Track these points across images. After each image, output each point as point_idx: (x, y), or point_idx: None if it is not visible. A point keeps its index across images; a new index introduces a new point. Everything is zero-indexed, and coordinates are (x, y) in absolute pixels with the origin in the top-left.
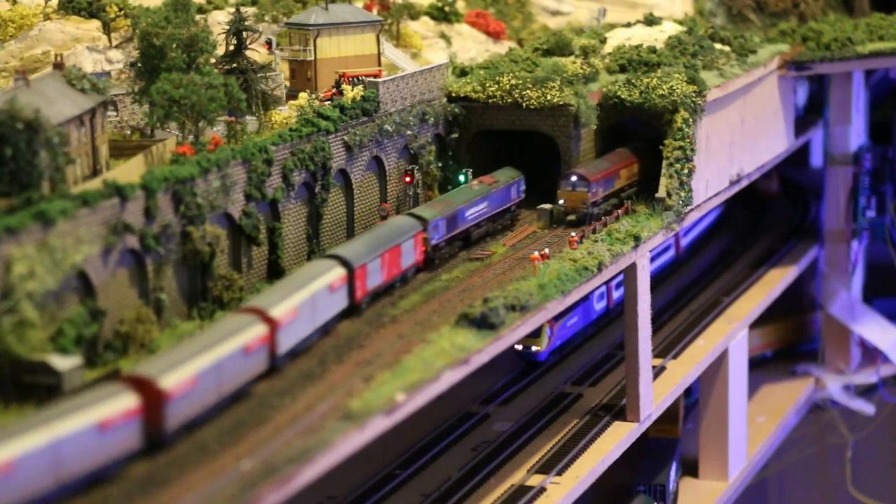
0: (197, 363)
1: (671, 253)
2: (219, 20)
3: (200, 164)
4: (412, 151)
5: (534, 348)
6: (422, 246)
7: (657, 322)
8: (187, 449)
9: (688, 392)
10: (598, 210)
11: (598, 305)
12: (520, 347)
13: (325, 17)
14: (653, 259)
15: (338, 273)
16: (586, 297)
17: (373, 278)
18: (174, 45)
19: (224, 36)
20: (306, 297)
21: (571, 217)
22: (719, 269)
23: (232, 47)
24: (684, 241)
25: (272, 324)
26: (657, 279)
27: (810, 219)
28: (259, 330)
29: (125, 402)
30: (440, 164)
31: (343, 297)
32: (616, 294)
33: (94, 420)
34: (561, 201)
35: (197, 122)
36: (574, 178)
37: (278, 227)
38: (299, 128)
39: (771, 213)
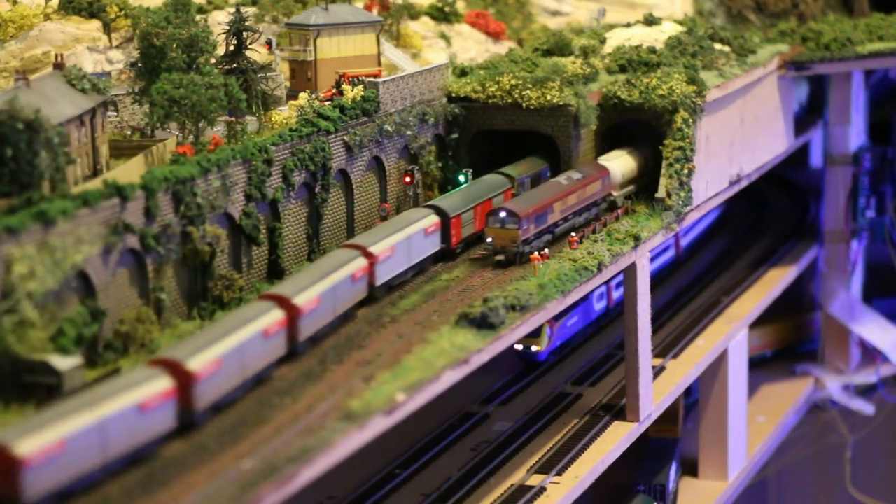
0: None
1: (671, 253)
2: (219, 20)
3: (200, 164)
4: (412, 151)
5: (533, 348)
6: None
7: (657, 322)
8: (187, 449)
9: (688, 392)
10: (529, 249)
11: (598, 305)
12: (519, 347)
13: (326, 17)
14: (653, 259)
15: (433, 220)
16: (586, 297)
17: (466, 228)
18: (174, 46)
19: (224, 36)
20: (402, 239)
21: (500, 257)
22: (719, 269)
23: (232, 47)
24: (684, 241)
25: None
26: (657, 279)
27: (809, 219)
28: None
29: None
30: (440, 164)
31: (437, 240)
32: (616, 294)
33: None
34: (489, 239)
35: (197, 123)
36: (503, 214)
37: (278, 227)
38: (299, 128)
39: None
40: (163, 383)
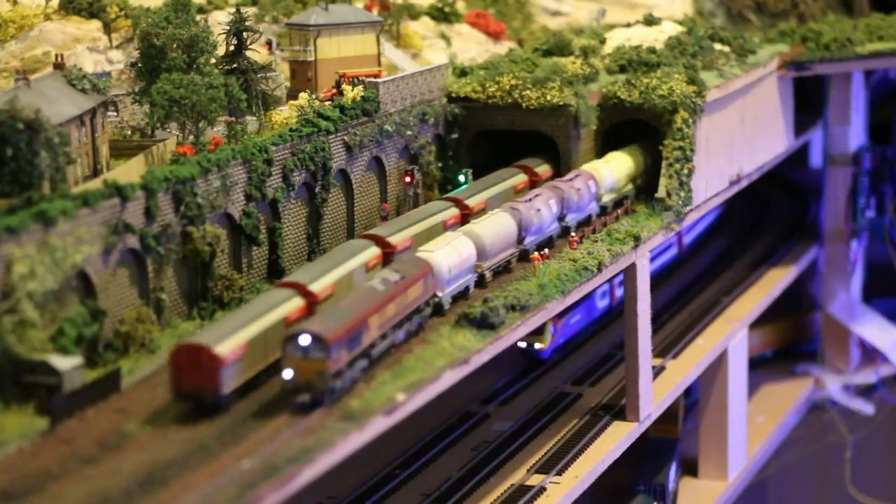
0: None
1: (674, 251)
2: (219, 20)
3: (201, 164)
4: (412, 152)
5: (537, 346)
6: None
7: (658, 321)
8: (187, 448)
9: (688, 392)
10: (342, 385)
11: (601, 303)
12: (523, 345)
13: (326, 17)
14: (656, 257)
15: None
16: (589, 296)
17: None
18: (175, 46)
19: (224, 36)
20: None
21: (304, 397)
22: (720, 269)
23: (232, 47)
24: (687, 239)
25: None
26: (660, 276)
27: (809, 219)
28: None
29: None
30: (440, 164)
31: None
32: (619, 292)
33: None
34: (287, 374)
35: (197, 123)
36: (306, 341)
37: (278, 227)
38: (299, 128)
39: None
40: (297, 302)
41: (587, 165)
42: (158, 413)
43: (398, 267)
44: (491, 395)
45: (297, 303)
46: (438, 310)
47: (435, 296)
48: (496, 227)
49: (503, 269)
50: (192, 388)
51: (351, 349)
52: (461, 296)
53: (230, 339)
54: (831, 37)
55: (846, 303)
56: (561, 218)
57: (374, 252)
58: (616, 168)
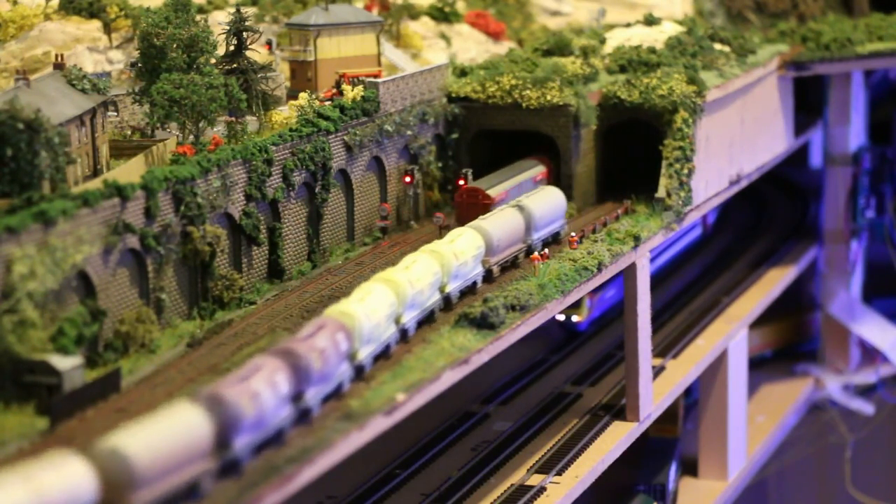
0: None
1: (699, 231)
2: (219, 20)
3: (201, 164)
4: (412, 152)
5: (574, 318)
6: None
7: (657, 322)
8: None
9: (688, 392)
10: None
11: None
12: (561, 318)
13: (326, 17)
14: (681, 237)
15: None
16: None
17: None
18: (174, 46)
19: (224, 36)
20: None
21: None
22: (746, 245)
23: (232, 47)
24: (711, 219)
25: None
26: (685, 257)
27: (809, 219)
28: None
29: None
30: (440, 164)
31: None
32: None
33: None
34: None
35: (197, 123)
36: None
37: (278, 227)
38: (299, 128)
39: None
40: (540, 169)
41: (335, 310)
42: None
43: None
44: (491, 395)
45: (540, 169)
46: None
47: None
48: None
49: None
50: (472, 220)
51: None
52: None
53: (496, 188)
54: (831, 37)
55: (846, 303)
56: (296, 397)
57: (540, 169)
58: (379, 303)
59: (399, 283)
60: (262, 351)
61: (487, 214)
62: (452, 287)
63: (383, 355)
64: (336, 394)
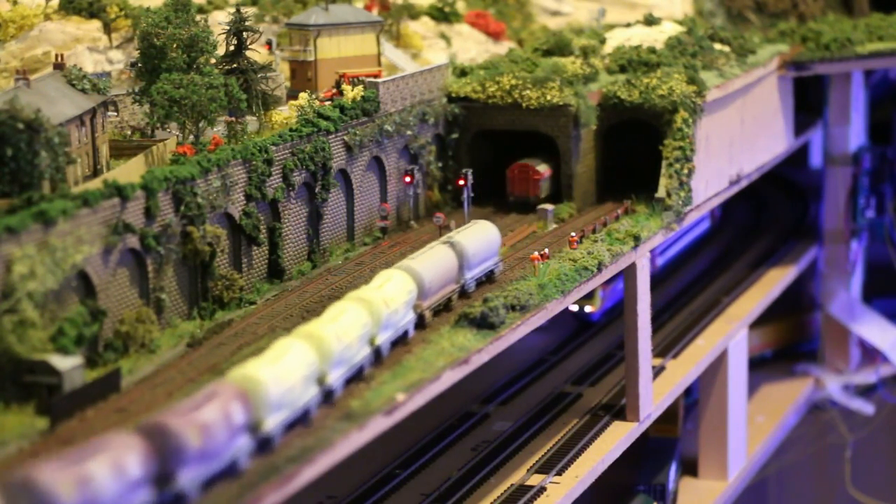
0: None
1: (707, 223)
2: (219, 20)
3: (201, 164)
4: (412, 152)
5: (587, 309)
6: None
7: (657, 322)
8: None
9: (688, 392)
10: None
11: None
12: (575, 308)
13: (326, 17)
14: (692, 228)
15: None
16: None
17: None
18: (175, 46)
19: (224, 36)
20: None
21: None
22: (751, 238)
23: (232, 47)
24: (718, 212)
25: None
26: (696, 247)
27: (809, 219)
28: None
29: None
30: (440, 164)
31: None
32: (658, 260)
33: None
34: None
35: (197, 123)
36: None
37: (278, 227)
38: (299, 128)
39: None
40: None
41: (237, 374)
42: None
43: None
44: (491, 396)
45: None
46: None
47: None
48: None
49: None
50: (520, 193)
51: None
52: None
53: (543, 165)
54: (831, 37)
55: (846, 303)
56: (163, 480)
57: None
58: (297, 362)
59: (324, 337)
60: (131, 427)
61: (416, 254)
62: (382, 339)
63: (301, 422)
64: (231, 472)
